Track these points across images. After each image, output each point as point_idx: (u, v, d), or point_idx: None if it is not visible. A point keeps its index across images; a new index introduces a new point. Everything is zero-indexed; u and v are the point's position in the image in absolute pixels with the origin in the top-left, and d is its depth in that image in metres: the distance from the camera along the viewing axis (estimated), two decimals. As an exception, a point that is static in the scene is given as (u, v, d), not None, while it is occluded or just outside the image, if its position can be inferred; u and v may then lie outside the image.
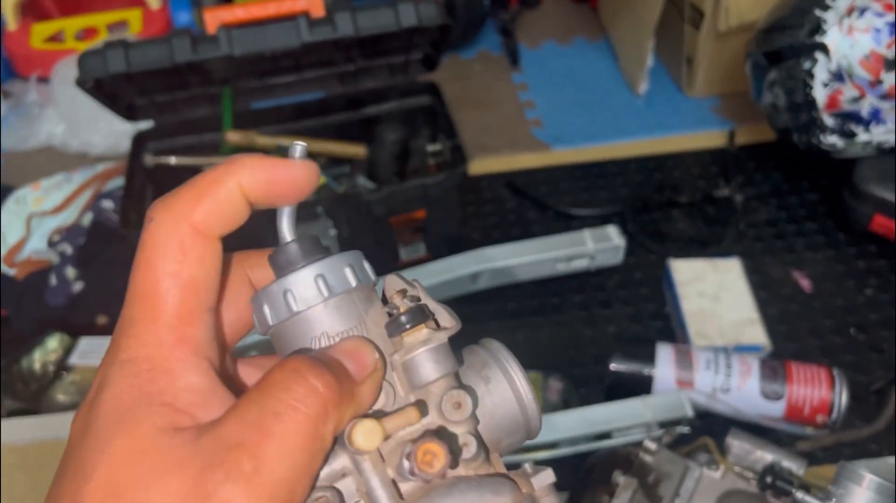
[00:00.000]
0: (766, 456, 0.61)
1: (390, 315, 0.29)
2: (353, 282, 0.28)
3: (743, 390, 0.82)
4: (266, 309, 0.28)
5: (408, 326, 0.28)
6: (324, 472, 0.26)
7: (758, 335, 0.88)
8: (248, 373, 0.31)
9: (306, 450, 0.25)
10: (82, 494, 0.24)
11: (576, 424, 0.82)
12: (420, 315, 0.28)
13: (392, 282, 0.31)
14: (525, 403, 0.29)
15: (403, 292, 0.30)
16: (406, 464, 0.26)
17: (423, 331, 0.28)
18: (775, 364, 0.83)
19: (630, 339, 0.90)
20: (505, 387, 0.29)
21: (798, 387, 0.82)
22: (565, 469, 0.83)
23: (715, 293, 0.93)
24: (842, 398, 0.81)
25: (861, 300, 0.96)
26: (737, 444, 0.62)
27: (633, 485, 0.58)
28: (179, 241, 0.27)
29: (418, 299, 0.29)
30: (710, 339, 0.89)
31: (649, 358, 0.85)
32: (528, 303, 0.99)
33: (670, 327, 0.95)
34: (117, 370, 0.26)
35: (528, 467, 0.29)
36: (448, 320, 0.29)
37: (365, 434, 0.26)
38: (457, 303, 0.98)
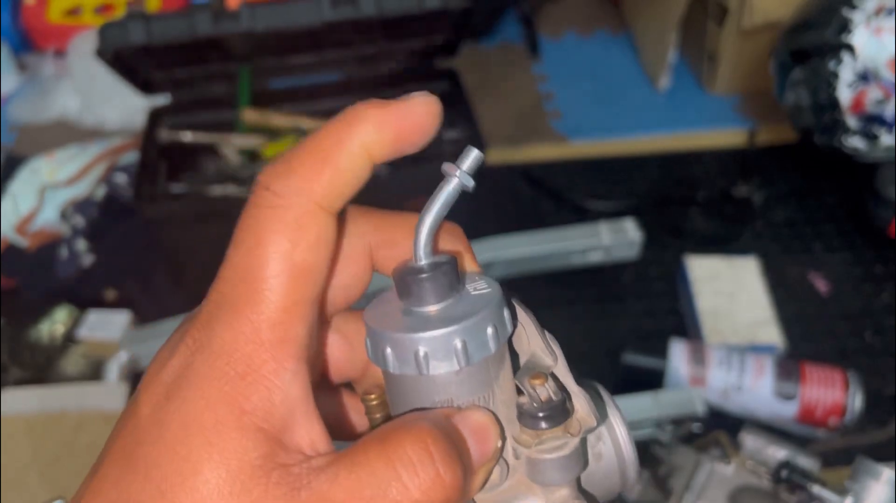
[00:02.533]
0: (779, 452, 0.60)
1: (521, 391, 0.25)
2: (493, 348, 0.24)
3: (756, 389, 0.81)
4: (389, 354, 0.24)
5: (544, 427, 0.25)
6: None
7: (772, 335, 0.87)
8: (334, 338, 0.27)
9: None
10: None
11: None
12: (560, 416, 0.25)
13: (526, 334, 0.27)
14: (628, 476, 0.27)
15: (543, 376, 0.25)
16: None
17: (557, 433, 0.25)
18: (789, 364, 0.82)
19: (644, 334, 0.89)
20: (614, 464, 0.27)
21: (812, 388, 0.80)
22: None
23: (730, 291, 0.92)
24: (855, 401, 0.80)
25: (878, 304, 0.95)
26: (750, 440, 0.61)
27: (644, 476, 0.57)
28: (296, 218, 0.23)
29: (558, 383, 0.26)
30: (723, 337, 0.87)
31: (662, 353, 0.84)
32: (541, 295, 0.98)
33: (684, 324, 0.93)
34: (207, 363, 0.22)
35: None
36: (586, 414, 0.25)
37: None
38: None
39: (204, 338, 0.23)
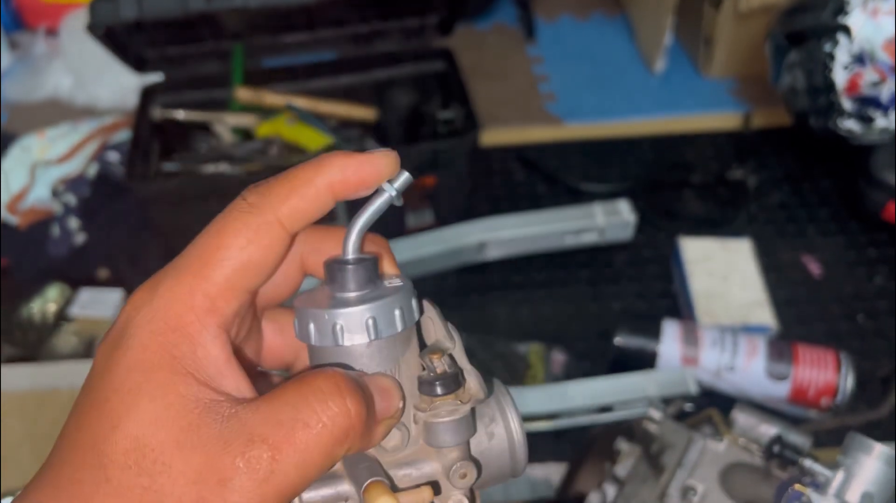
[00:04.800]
0: (771, 430, 0.60)
1: (423, 368, 0.30)
2: (400, 328, 0.29)
3: (748, 370, 0.81)
4: (312, 328, 0.29)
5: (439, 392, 0.29)
6: (327, 493, 0.28)
7: (765, 316, 0.88)
8: (269, 327, 0.33)
9: (318, 466, 0.26)
10: (107, 442, 0.25)
11: (577, 396, 0.81)
12: (452, 384, 0.29)
13: (433, 326, 0.32)
14: (518, 459, 0.31)
15: (440, 352, 0.30)
16: None
17: (450, 401, 0.29)
18: (782, 345, 0.82)
19: (636, 314, 0.89)
20: (504, 444, 0.31)
21: (804, 368, 0.81)
22: (564, 441, 0.82)
23: (724, 273, 0.92)
24: (847, 382, 0.80)
25: (870, 288, 0.95)
26: (742, 418, 0.61)
27: (636, 453, 0.57)
28: (258, 225, 0.28)
29: (453, 360, 0.31)
30: (716, 319, 0.88)
31: (655, 333, 0.84)
32: (535, 275, 0.98)
33: (677, 306, 0.94)
34: (146, 319, 0.27)
35: None
36: (476, 388, 0.30)
37: None
38: (462, 274, 0.97)
39: (146, 297, 0.27)
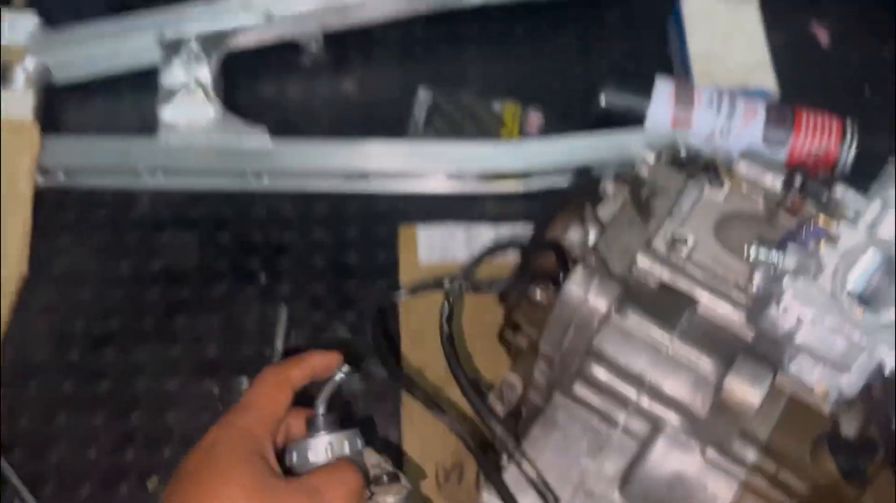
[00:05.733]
0: (778, 180, 0.53)
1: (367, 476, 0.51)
2: (348, 451, 0.51)
3: (744, 134, 0.74)
4: (294, 454, 0.50)
5: (385, 480, 0.51)
6: None
7: (767, 80, 0.79)
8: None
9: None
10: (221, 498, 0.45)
11: (553, 153, 0.74)
12: (395, 478, 0.51)
13: (370, 456, 0.53)
14: None
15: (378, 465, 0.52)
16: None
17: (394, 488, 0.51)
18: (785, 109, 0.74)
19: (626, 73, 0.80)
20: None
21: (805, 136, 0.73)
22: (536, 203, 0.76)
23: (726, 32, 0.82)
24: (850, 153, 0.74)
25: (881, 59, 0.86)
26: (746, 166, 0.54)
27: (622, 194, 0.50)
28: (286, 391, 0.52)
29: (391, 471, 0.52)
30: (714, 81, 0.79)
31: (646, 91, 0.75)
32: (516, 27, 0.87)
33: (671, 69, 0.84)
34: (235, 434, 0.48)
35: None
36: (405, 484, 0.52)
37: None
38: (431, 23, 0.86)
39: (230, 425, 0.48)
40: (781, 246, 0.42)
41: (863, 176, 0.75)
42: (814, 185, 0.40)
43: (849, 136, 0.73)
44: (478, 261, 0.57)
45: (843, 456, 0.43)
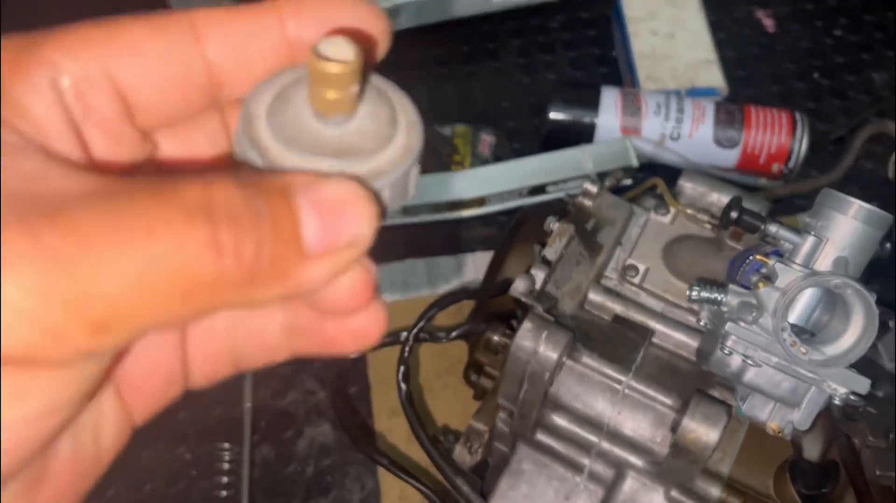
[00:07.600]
0: (723, 198, 0.53)
1: None
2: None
3: (695, 137, 0.73)
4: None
5: None
6: None
7: (714, 77, 0.78)
8: None
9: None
10: None
11: (506, 177, 0.73)
12: None
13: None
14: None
15: None
16: None
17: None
18: (732, 108, 0.74)
19: (572, 85, 0.79)
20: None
21: (756, 133, 0.73)
22: (494, 227, 0.75)
23: (670, 31, 0.81)
24: (802, 145, 0.73)
25: (828, 42, 0.86)
26: (690, 186, 0.54)
27: (568, 232, 0.49)
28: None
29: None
30: (661, 83, 0.78)
31: (592, 103, 0.75)
32: (459, 47, 0.86)
33: (618, 72, 0.83)
34: None
35: None
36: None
37: None
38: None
39: None
40: (722, 288, 0.41)
41: (817, 167, 0.76)
42: (747, 220, 0.40)
43: (799, 128, 0.73)
44: (429, 316, 0.55)
45: (804, 482, 0.43)
